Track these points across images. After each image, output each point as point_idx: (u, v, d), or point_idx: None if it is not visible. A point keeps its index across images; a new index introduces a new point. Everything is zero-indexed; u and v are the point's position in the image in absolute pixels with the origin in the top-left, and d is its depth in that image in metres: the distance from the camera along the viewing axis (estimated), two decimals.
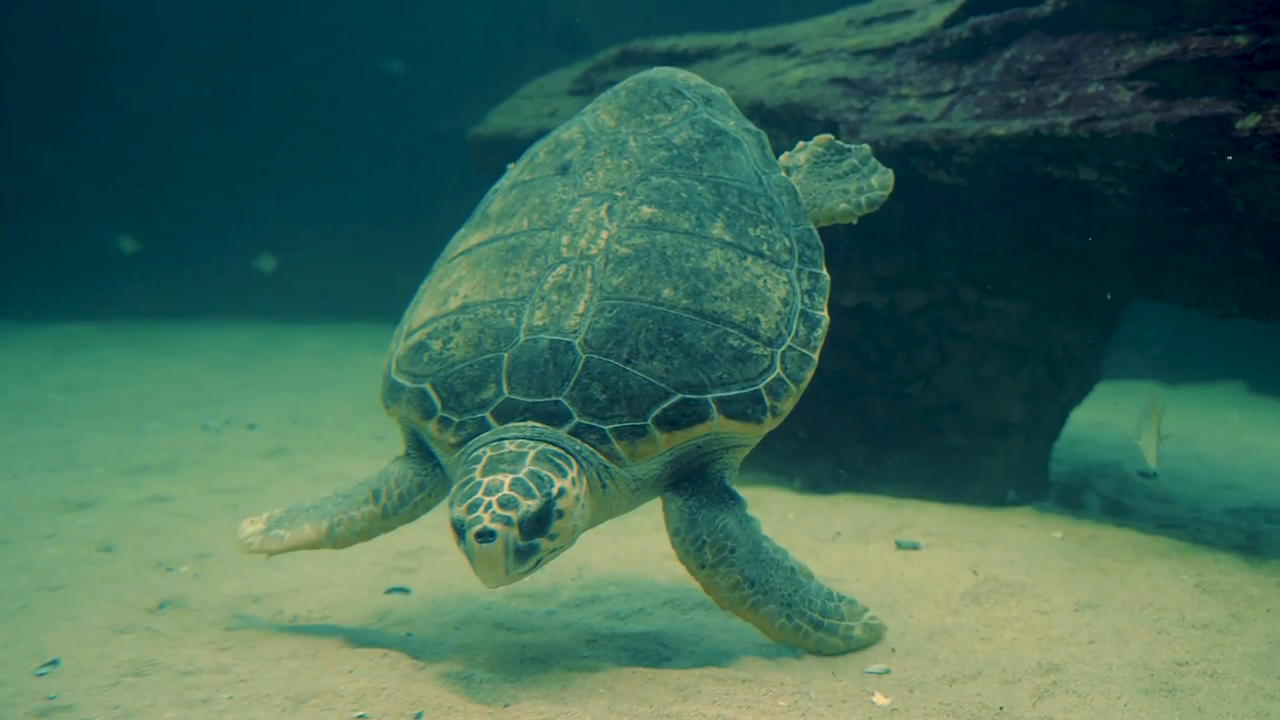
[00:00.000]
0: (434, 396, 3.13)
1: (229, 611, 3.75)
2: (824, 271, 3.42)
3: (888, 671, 3.29)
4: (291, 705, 2.81)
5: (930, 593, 4.12)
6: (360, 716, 2.72)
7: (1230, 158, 4.41)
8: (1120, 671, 3.31)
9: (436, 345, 3.22)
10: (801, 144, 3.88)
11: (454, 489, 2.85)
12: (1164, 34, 4.71)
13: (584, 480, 2.92)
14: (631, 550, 4.69)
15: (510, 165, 3.84)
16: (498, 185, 3.72)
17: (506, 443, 2.90)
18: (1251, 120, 4.33)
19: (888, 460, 6.05)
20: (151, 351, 11.58)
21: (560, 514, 2.80)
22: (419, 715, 2.73)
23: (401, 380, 3.24)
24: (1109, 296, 5.88)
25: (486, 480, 2.76)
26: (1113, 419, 8.27)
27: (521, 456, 2.83)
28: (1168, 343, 11.84)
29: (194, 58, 16.38)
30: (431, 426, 3.12)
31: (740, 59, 6.68)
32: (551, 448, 2.89)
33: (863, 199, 3.74)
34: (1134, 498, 6.15)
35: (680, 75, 3.77)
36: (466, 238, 3.55)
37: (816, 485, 6.08)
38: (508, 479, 2.75)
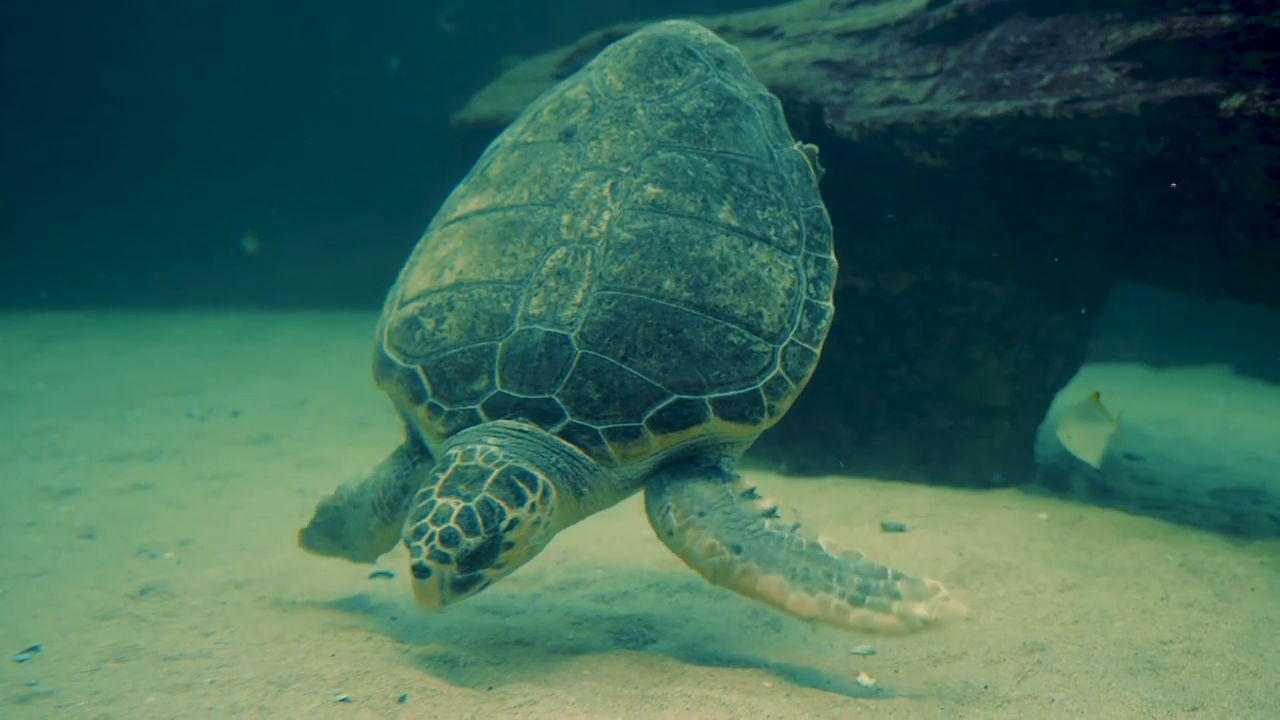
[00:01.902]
0: (424, 381, 3.06)
1: (212, 597, 3.73)
2: (832, 258, 3.27)
3: (873, 652, 3.29)
4: (274, 689, 2.79)
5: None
6: (344, 700, 2.71)
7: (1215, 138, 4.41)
8: (1105, 650, 3.32)
9: (429, 324, 3.13)
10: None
11: (415, 496, 2.79)
12: (1148, 14, 4.70)
13: (553, 496, 2.83)
14: (617, 534, 4.68)
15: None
16: (498, 141, 3.57)
17: (478, 451, 2.80)
18: (1236, 100, 4.33)
19: (873, 443, 6.05)
20: (134, 340, 11.51)
21: (510, 545, 2.73)
22: (403, 698, 2.72)
23: (393, 356, 3.16)
24: (1094, 279, 5.88)
25: (440, 504, 2.69)
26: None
27: (484, 476, 2.74)
28: (1153, 326, 11.87)
29: (176, 45, 16.26)
30: (421, 412, 3.05)
31: None
32: (517, 467, 2.78)
33: None
34: (1119, 480, 6.17)
35: (694, 32, 3.59)
36: (465, 199, 3.42)
37: (803, 469, 6.08)
38: (458, 508, 2.67)
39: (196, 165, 15.64)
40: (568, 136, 3.38)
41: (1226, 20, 4.39)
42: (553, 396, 2.92)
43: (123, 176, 15.37)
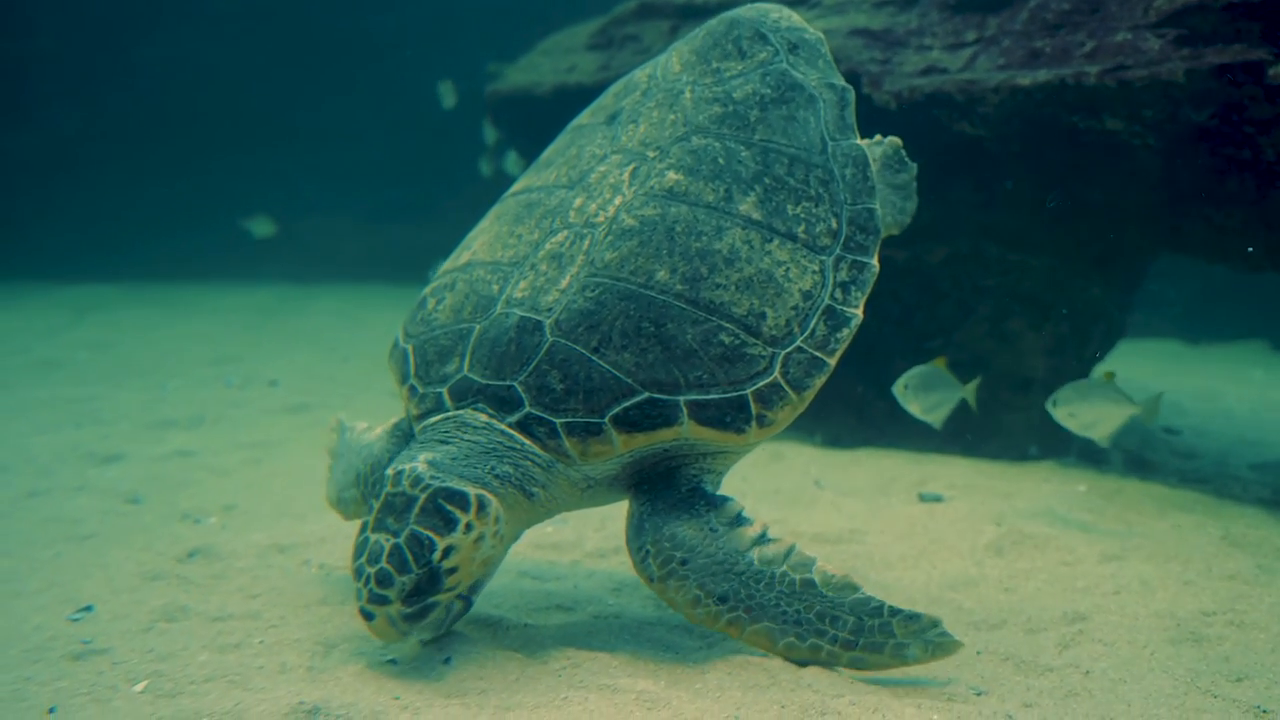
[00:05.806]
0: (411, 361, 3.02)
1: (257, 560, 3.78)
2: (872, 261, 3.03)
3: None
4: (322, 650, 2.84)
5: (954, 544, 4.13)
6: (390, 661, 2.75)
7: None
8: (1146, 621, 3.31)
9: (431, 304, 3.10)
10: (879, 137, 3.34)
11: (356, 528, 2.71)
12: None
13: (493, 507, 2.67)
14: None
15: None
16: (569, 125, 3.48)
17: (405, 474, 2.63)
18: None
19: (908, 415, 6.02)
20: (170, 311, 11.63)
21: (452, 570, 2.60)
22: (448, 659, 2.75)
23: (399, 336, 3.15)
24: (1134, 250, 5.82)
25: (372, 541, 2.58)
26: (1136, 375, 8.20)
27: (410, 505, 2.59)
28: (1189, 301, 11.75)
29: (210, 18, 16.32)
30: (404, 393, 3.01)
31: None
32: (444, 488, 2.61)
33: (902, 219, 3.39)
34: (1158, 453, 6.13)
35: (772, 15, 3.34)
36: (518, 182, 3.37)
37: (837, 440, 6.08)
38: (388, 545, 2.55)
39: (230, 138, 15.72)
40: (612, 119, 3.26)
41: None
42: (514, 384, 2.77)
43: (157, 150, 15.48)
